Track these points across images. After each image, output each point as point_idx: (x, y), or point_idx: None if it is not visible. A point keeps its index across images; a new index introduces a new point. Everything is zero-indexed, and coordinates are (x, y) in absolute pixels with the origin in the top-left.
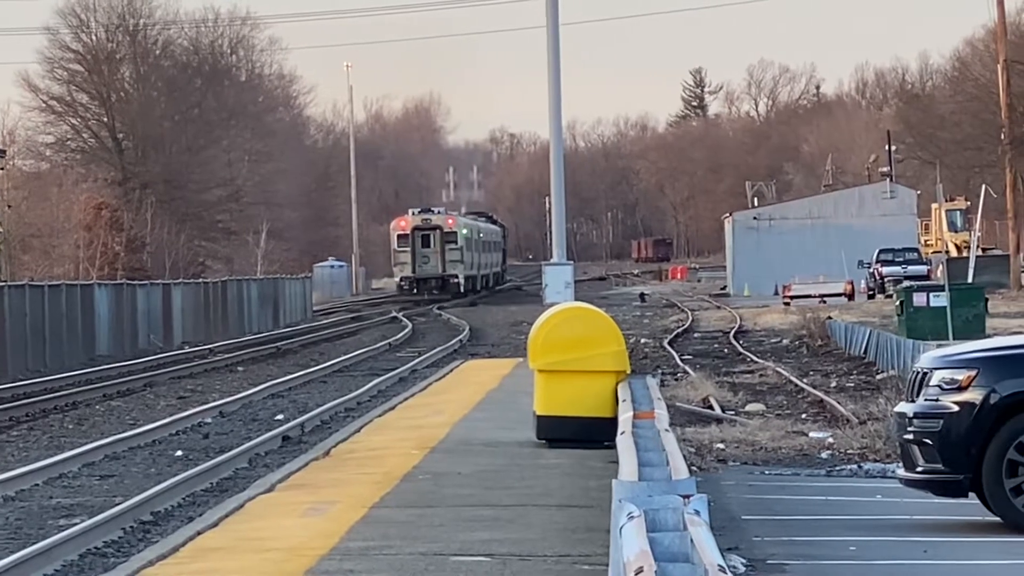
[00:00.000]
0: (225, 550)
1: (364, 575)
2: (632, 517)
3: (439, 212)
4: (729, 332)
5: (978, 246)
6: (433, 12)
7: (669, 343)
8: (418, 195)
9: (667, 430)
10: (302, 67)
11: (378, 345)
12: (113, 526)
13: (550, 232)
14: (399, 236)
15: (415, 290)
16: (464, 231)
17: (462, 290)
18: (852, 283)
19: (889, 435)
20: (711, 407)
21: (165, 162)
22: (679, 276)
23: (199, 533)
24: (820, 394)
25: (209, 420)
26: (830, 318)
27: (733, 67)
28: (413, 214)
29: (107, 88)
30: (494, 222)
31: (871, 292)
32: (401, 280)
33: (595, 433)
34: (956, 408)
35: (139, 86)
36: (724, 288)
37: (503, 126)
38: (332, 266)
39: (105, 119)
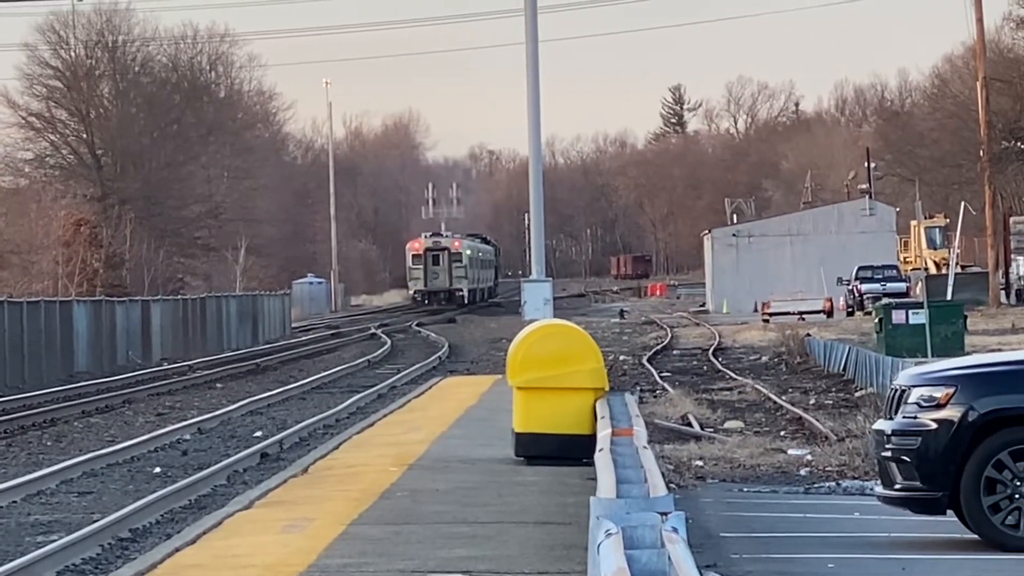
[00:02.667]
0: (203, 567)
1: None
2: (610, 534)
3: (447, 236)
4: (708, 349)
5: (957, 263)
6: (412, 29)
7: (648, 360)
8: (397, 211)
9: (645, 447)
10: (281, 84)
11: (357, 362)
12: (91, 543)
13: (529, 249)
14: (413, 256)
15: (427, 301)
16: (467, 252)
17: (466, 301)
18: (831, 300)
19: (867, 452)
20: (690, 424)
21: (144, 178)
22: (658, 293)
23: (177, 550)
24: (799, 411)
25: (188, 437)
26: (809, 335)
27: (712, 84)
28: (425, 237)
29: (86, 104)
30: (487, 242)
31: (850, 309)
32: (415, 293)
33: (573, 450)
34: (934, 425)
35: (118, 102)
36: (703, 305)
37: (482, 143)
38: (311, 283)
39: (84, 135)
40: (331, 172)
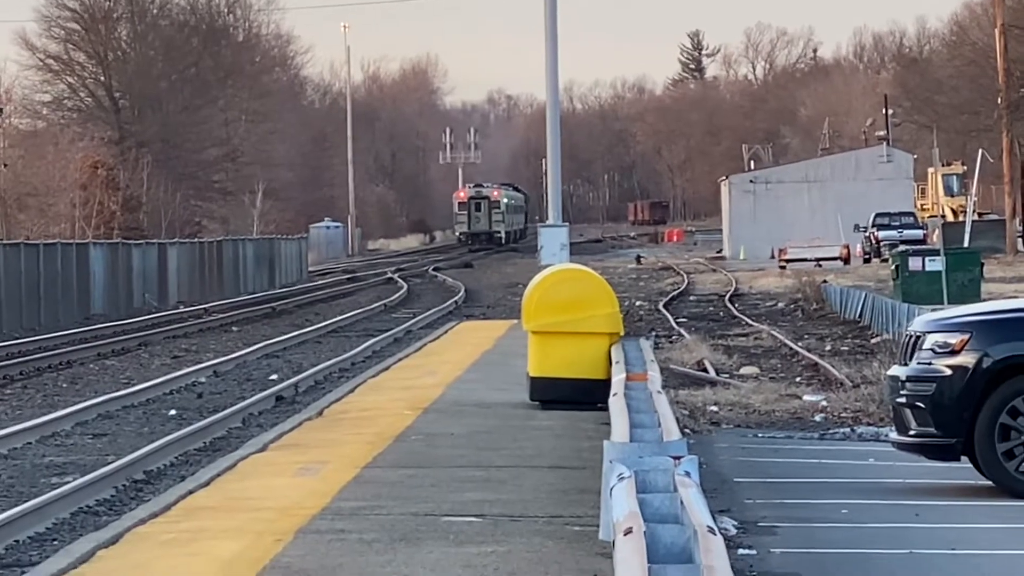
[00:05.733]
0: (217, 509)
1: (356, 535)
2: (623, 478)
3: (488, 186)
4: (725, 295)
5: (974, 211)
6: None
7: (664, 306)
8: (415, 156)
9: (660, 392)
10: (299, 27)
11: (373, 306)
12: (105, 485)
13: (546, 194)
14: (459, 203)
15: (470, 241)
16: (504, 200)
17: (503, 242)
18: (848, 247)
19: (882, 399)
20: (705, 370)
21: (162, 121)
22: (675, 239)
23: (191, 492)
24: (814, 357)
25: (203, 379)
26: (825, 282)
27: (731, 30)
28: (469, 188)
29: (104, 47)
30: (518, 190)
31: (867, 256)
32: (460, 235)
33: (588, 395)
34: (949, 372)
35: (136, 45)
36: (720, 251)
37: (500, 88)
38: (328, 227)
39: (102, 78)
40: (348, 116)
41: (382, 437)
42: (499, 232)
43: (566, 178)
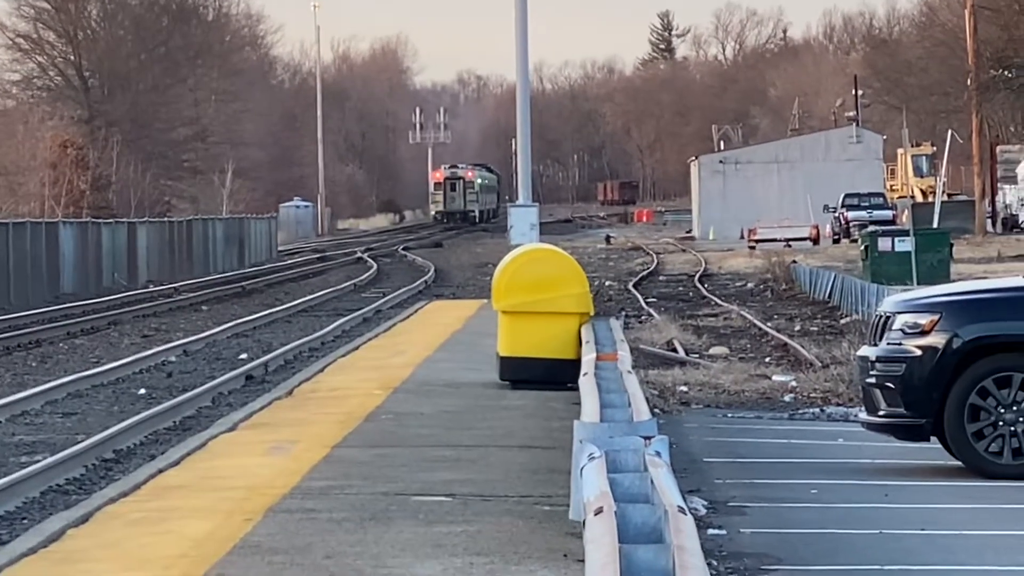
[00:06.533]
0: (186, 488)
1: (325, 514)
2: (593, 458)
3: (462, 167)
4: (694, 275)
5: (944, 191)
6: None
7: (634, 286)
8: (385, 136)
9: (630, 372)
10: (269, 7)
11: (343, 285)
12: (75, 463)
13: (516, 174)
14: (435, 183)
15: (445, 220)
16: (478, 180)
17: (477, 220)
18: (817, 227)
19: (852, 379)
20: (675, 350)
21: (131, 101)
22: (645, 219)
23: (161, 471)
24: (784, 338)
25: (173, 359)
26: (795, 262)
27: (701, 11)
28: (444, 168)
29: (74, 26)
30: (492, 171)
31: (836, 236)
32: (436, 213)
33: (558, 374)
34: (919, 352)
35: (106, 24)
36: (690, 231)
37: (470, 68)
38: (298, 206)
39: (72, 57)
40: (319, 96)
41: (352, 417)
42: (473, 211)
43: (536, 158)
